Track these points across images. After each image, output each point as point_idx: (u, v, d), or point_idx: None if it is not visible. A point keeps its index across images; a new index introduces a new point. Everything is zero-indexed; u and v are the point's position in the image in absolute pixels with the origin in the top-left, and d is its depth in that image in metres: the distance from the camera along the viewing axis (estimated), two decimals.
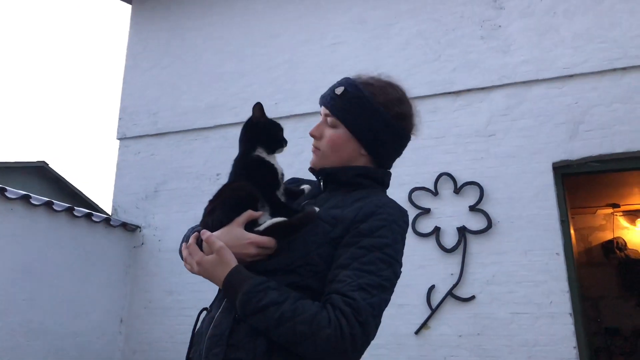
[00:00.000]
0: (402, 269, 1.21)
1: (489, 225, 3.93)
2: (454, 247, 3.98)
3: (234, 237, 1.18)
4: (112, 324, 4.74)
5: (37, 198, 4.13)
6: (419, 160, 4.26)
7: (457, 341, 3.81)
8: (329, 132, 1.33)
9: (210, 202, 1.31)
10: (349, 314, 1.04)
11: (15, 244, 3.92)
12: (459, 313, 3.86)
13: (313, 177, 1.43)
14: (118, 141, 5.54)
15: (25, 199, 4.00)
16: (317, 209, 1.24)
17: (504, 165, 4.05)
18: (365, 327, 1.05)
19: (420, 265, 4.00)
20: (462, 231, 3.99)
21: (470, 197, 4.06)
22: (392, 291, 1.16)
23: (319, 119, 1.37)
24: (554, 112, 4.03)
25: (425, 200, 4.18)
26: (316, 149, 1.36)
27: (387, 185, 1.38)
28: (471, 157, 4.16)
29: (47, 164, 13.30)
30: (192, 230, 1.35)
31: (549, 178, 3.92)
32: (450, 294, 3.89)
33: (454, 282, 3.90)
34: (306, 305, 1.07)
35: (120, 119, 5.59)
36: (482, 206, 4.00)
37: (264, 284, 1.10)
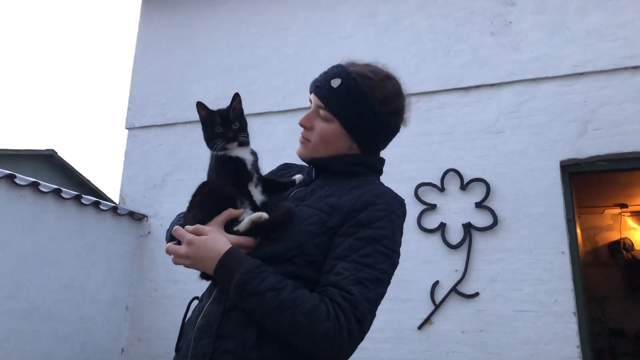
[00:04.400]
0: (402, 262, 1.18)
1: (495, 222, 3.92)
2: (459, 243, 3.98)
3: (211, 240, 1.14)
4: (118, 312, 4.79)
5: (46, 185, 4.17)
6: (426, 156, 4.26)
7: (459, 337, 3.82)
8: (320, 125, 1.27)
9: (190, 202, 1.30)
10: (347, 310, 1.02)
11: (24, 229, 3.96)
12: (463, 309, 3.86)
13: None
14: (127, 131, 5.57)
15: (34, 185, 4.04)
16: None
17: (512, 162, 4.03)
18: (362, 324, 1.04)
19: (425, 261, 4.01)
20: (468, 228, 3.99)
21: (477, 193, 4.05)
22: (389, 283, 1.14)
23: None
24: (563, 110, 4.01)
25: (431, 196, 4.17)
26: (305, 140, 1.30)
27: (381, 172, 1.34)
28: (478, 153, 4.15)
29: (56, 153, 13.40)
30: (174, 225, 1.32)
31: (556, 176, 3.90)
32: (454, 290, 3.89)
33: (458, 278, 3.90)
34: (305, 296, 1.04)
35: (129, 109, 5.62)
36: (488, 203, 3.99)
37: (263, 267, 1.07)
